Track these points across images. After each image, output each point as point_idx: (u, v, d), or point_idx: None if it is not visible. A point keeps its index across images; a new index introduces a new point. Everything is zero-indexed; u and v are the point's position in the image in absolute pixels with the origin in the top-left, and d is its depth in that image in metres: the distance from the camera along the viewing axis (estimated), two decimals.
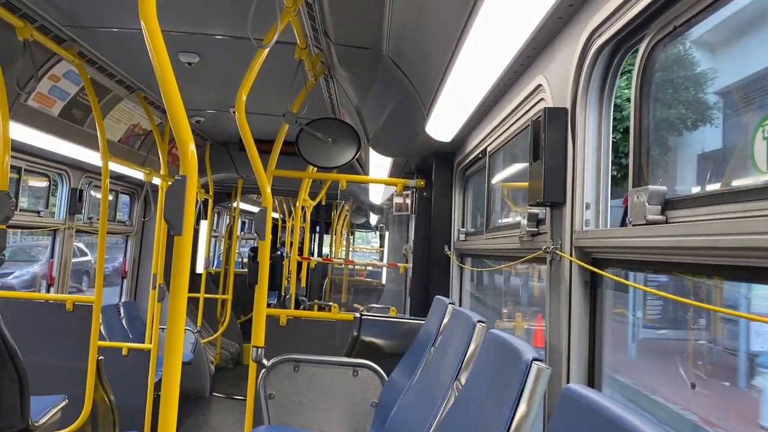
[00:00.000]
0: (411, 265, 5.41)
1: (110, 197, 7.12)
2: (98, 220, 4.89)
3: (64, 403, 4.16)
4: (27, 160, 5.32)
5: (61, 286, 6.01)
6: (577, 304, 2.05)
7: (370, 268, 13.55)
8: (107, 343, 5.45)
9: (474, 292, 5.02)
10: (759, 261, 1.23)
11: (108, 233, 4.84)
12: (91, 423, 4.47)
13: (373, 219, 16.23)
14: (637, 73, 1.79)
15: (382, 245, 16.64)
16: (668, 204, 1.61)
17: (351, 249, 19.44)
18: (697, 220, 1.47)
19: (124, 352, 5.41)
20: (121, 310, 7.15)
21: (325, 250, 15.13)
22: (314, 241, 14.15)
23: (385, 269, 10.66)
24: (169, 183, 2.96)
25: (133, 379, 5.21)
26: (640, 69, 1.79)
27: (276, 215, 15.46)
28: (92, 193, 6.56)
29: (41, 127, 4.75)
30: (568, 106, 2.13)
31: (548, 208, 2.33)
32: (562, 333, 2.10)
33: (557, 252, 2.18)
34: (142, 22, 1.78)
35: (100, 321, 4.63)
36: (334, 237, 14.04)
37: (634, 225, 1.70)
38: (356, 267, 13.05)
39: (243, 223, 14.46)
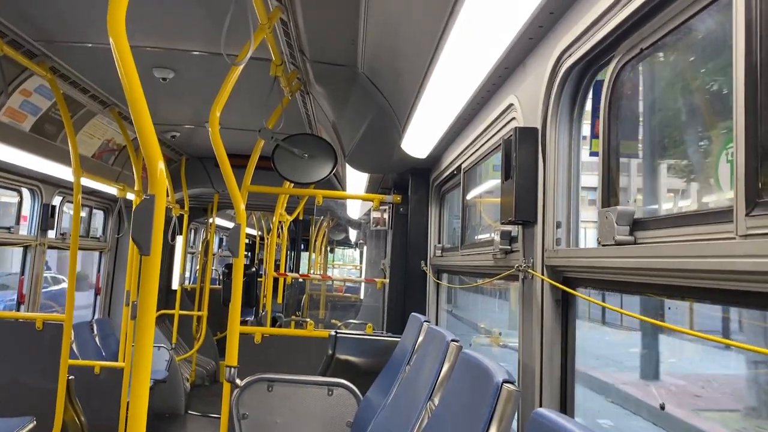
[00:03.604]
0: (388, 280, 5.38)
1: (84, 213, 7.03)
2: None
3: (31, 425, 4.06)
4: None
5: (31, 304, 5.88)
6: (549, 324, 2.05)
7: (348, 284, 13.48)
8: (79, 362, 5.34)
9: (453, 307, 4.99)
10: (720, 283, 1.24)
11: (81, 249, 4.75)
12: None
13: (353, 235, 16.15)
14: (605, 94, 1.81)
15: (362, 262, 16.53)
16: (637, 224, 1.62)
17: (332, 265, 19.26)
18: (663, 241, 1.48)
19: (96, 370, 5.29)
20: (95, 327, 7.02)
21: (305, 268, 15.01)
22: (292, 258, 14.03)
23: (363, 284, 10.61)
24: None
25: (106, 398, 5.09)
26: (609, 90, 1.80)
27: (254, 232, 15.32)
28: (65, 210, 6.45)
29: (11, 142, 4.66)
30: (539, 125, 2.14)
31: (520, 227, 2.33)
32: (534, 353, 2.10)
33: (529, 270, 2.18)
34: (111, 40, 1.75)
35: (72, 339, 4.52)
36: (312, 254, 13.93)
37: (603, 245, 1.70)
38: (334, 282, 12.97)
39: (220, 239, 14.29)
